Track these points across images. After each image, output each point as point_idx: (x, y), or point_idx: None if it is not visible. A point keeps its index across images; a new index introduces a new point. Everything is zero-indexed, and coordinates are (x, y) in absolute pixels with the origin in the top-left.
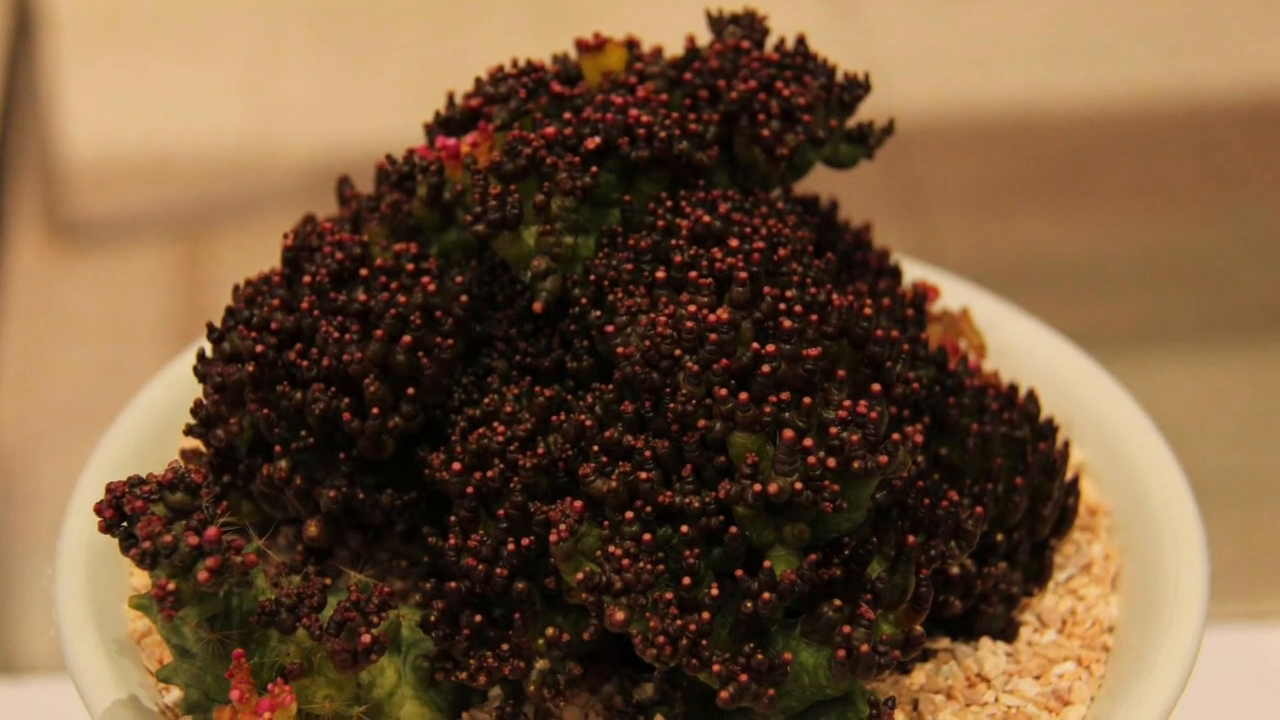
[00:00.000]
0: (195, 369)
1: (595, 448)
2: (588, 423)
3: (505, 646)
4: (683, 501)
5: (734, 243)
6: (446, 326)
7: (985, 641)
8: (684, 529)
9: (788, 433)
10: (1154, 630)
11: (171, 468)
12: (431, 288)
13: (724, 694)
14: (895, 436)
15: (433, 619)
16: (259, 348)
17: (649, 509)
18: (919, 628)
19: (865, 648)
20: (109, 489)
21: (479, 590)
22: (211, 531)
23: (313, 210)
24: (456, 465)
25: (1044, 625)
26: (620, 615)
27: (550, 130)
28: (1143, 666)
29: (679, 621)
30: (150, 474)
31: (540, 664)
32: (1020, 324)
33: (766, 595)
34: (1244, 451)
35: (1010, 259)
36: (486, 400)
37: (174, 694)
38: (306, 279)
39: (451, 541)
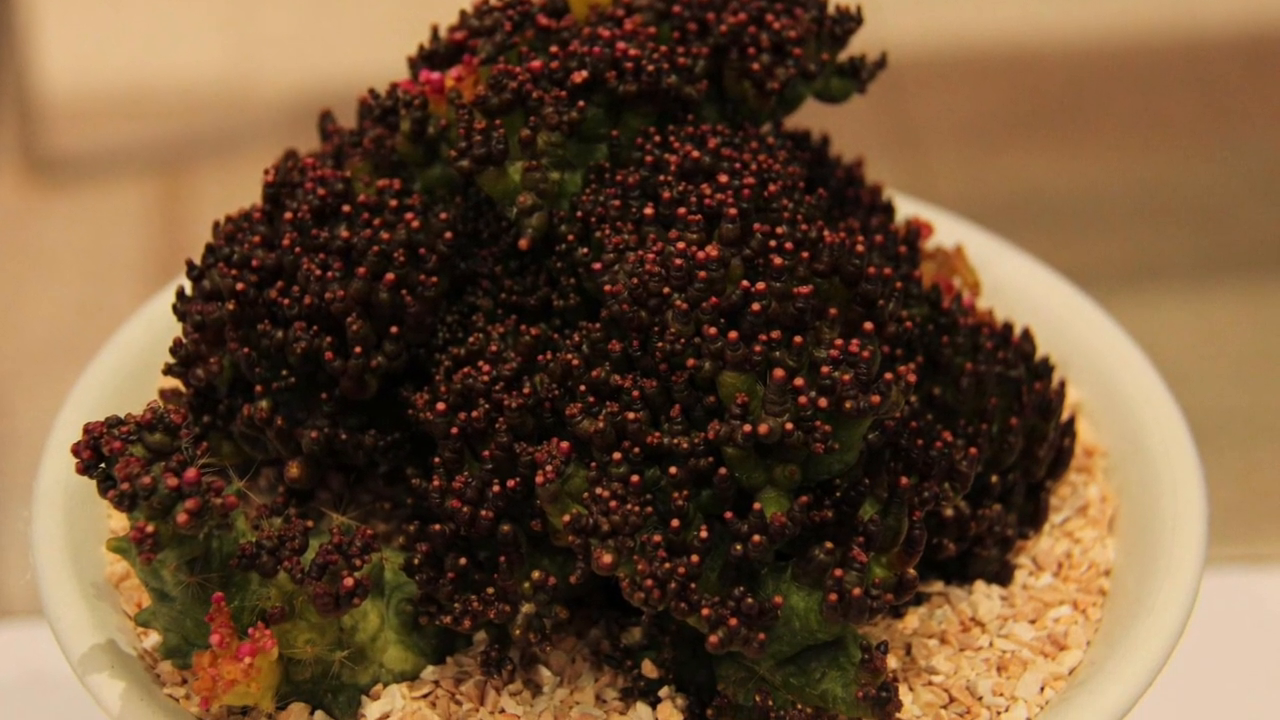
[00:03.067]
0: (174, 307)
1: (582, 388)
2: (574, 362)
3: (490, 590)
4: (671, 442)
5: (723, 178)
6: (430, 264)
7: (979, 585)
8: (672, 470)
9: (778, 372)
10: (1151, 574)
11: (150, 408)
12: (415, 224)
13: (713, 638)
14: (888, 376)
15: (416, 562)
16: (239, 285)
17: (637, 450)
18: (912, 571)
19: (857, 591)
20: (86, 430)
21: (463, 533)
22: (191, 473)
23: (294, 146)
24: (440, 405)
25: (1039, 568)
26: (608, 558)
27: (536, 64)
28: (1140, 611)
29: (667, 565)
30: (129, 414)
31: (526, 608)
32: (1015, 261)
33: (757, 538)
34: (1243, 391)
35: (1005, 195)
36: (471, 339)
37: (153, 638)
38: (288, 215)
39: (435, 483)
